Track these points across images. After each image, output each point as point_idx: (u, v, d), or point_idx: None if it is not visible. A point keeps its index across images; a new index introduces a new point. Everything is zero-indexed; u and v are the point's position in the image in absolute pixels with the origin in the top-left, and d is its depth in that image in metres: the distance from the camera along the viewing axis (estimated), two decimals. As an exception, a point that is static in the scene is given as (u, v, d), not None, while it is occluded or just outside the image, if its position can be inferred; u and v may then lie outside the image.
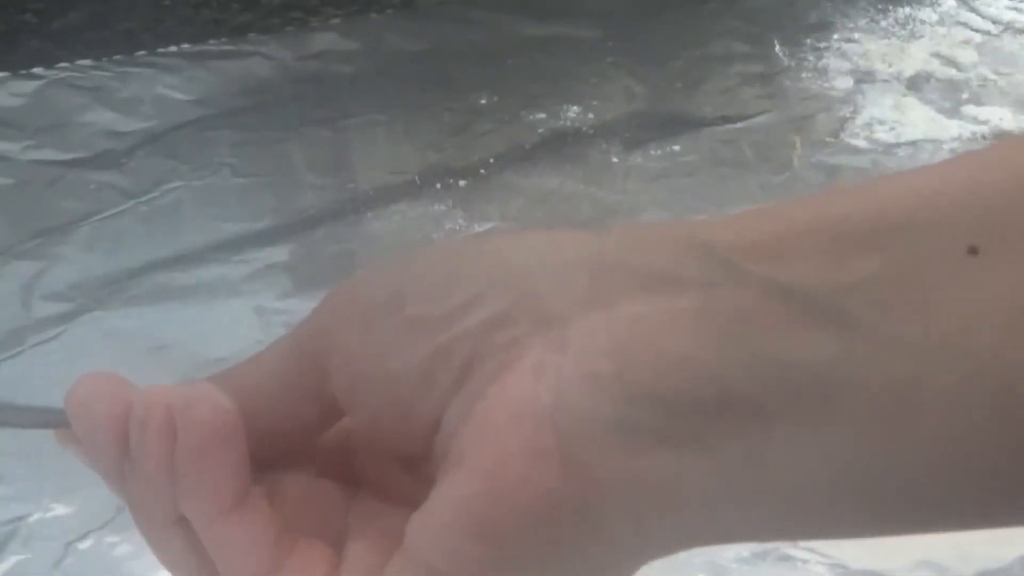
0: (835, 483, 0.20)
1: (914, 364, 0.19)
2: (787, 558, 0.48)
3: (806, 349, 0.20)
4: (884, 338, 0.19)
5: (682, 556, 0.47)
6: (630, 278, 0.21)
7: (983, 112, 0.77)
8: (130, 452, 0.25)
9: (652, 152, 0.72)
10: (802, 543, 0.48)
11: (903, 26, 0.85)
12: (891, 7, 0.87)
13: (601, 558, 0.22)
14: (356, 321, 0.25)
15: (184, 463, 0.24)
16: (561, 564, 0.22)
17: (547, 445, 0.21)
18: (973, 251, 0.19)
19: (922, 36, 0.84)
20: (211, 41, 0.78)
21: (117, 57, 0.76)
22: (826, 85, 0.79)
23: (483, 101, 0.75)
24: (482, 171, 0.69)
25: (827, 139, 0.74)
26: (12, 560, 0.46)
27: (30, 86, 0.73)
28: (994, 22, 0.86)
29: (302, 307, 0.59)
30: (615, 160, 0.71)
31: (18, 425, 0.27)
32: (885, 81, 0.79)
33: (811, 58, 0.81)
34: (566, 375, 0.21)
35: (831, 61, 0.81)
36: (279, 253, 0.62)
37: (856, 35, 0.84)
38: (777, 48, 0.82)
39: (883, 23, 0.86)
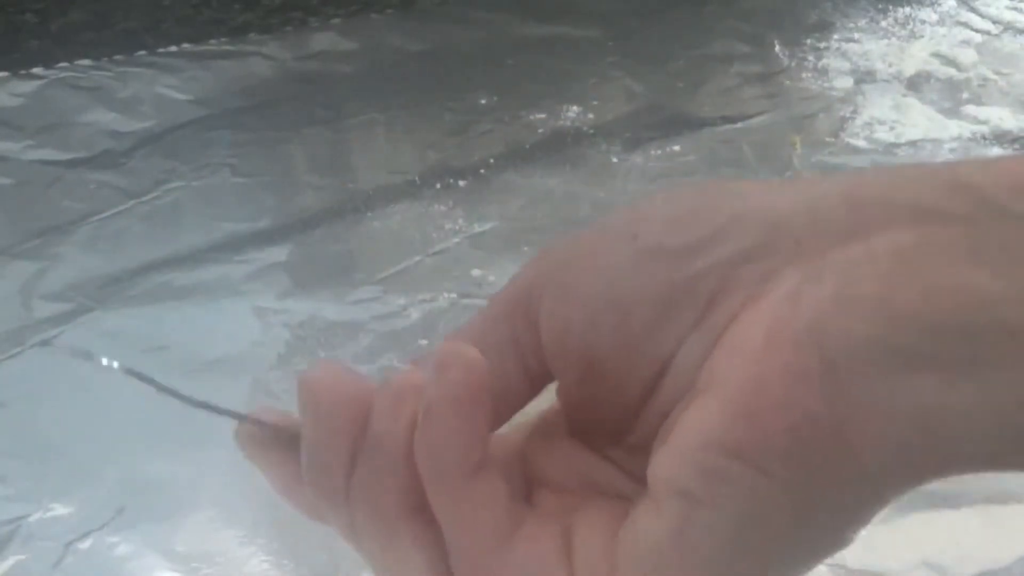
0: None
1: None
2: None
3: None
4: None
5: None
6: (890, 211, 0.21)
7: (983, 112, 0.77)
8: (367, 439, 0.23)
9: (652, 152, 0.72)
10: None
11: (903, 26, 0.85)
12: (891, 7, 0.87)
13: (853, 486, 0.21)
14: (576, 259, 0.24)
15: (436, 424, 0.22)
16: (811, 491, 0.21)
17: (808, 366, 0.20)
18: None
19: (922, 36, 0.84)
20: (211, 41, 0.78)
21: (117, 57, 0.76)
22: (826, 85, 0.79)
23: (483, 101, 0.75)
24: (482, 171, 0.69)
25: (827, 139, 0.74)
26: (12, 560, 0.46)
27: (30, 86, 0.73)
28: (994, 22, 0.86)
29: (302, 307, 0.59)
30: (615, 160, 0.71)
31: (190, 403, 0.25)
32: (885, 81, 0.79)
33: (811, 58, 0.81)
34: (827, 299, 0.20)
35: (831, 61, 0.81)
36: (279, 253, 0.62)
37: (856, 35, 0.84)
38: (777, 48, 0.82)
39: (883, 23, 0.86)
